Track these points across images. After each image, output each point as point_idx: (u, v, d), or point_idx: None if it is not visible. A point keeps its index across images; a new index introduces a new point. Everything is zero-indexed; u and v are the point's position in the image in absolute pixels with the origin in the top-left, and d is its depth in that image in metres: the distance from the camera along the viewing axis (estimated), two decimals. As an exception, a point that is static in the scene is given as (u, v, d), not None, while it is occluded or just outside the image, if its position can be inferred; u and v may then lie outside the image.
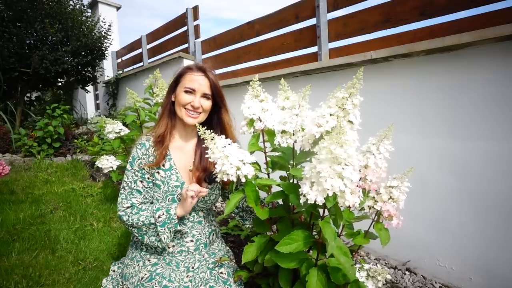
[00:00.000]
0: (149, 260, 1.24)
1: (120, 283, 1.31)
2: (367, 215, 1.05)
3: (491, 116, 1.39)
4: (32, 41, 4.70)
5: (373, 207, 1.02)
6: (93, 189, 2.74)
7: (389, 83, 1.77)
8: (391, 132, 0.99)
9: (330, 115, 0.90)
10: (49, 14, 4.62)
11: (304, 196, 0.83)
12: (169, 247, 1.28)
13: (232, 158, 0.98)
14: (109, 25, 5.56)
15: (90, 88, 6.48)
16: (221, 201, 2.47)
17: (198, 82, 1.24)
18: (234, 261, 1.37)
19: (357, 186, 0.89)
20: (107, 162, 2.36)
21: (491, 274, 1.42)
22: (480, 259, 1.45)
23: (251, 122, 1.09)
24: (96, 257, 1.68)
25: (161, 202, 1.26)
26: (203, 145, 1.05)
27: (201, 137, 1.01)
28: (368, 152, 1.00)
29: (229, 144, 1.01)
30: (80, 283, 1.44)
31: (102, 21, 5.57)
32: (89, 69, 5.62)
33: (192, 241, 1.30)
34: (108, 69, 6.51)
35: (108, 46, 5.61)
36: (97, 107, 7.29)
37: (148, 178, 1.27)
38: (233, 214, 1.39)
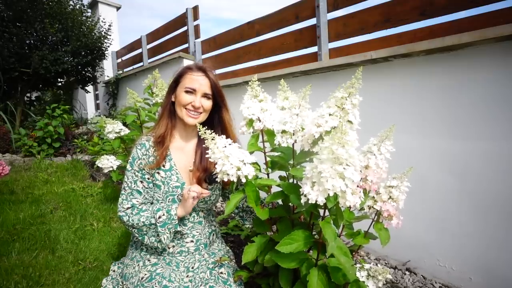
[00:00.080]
0: (149, 260, 1.24)
1: (120, 283, 1.31)
2: (367, 215, 1.05)
3: (491, 116, 1.39)
4: (32, 41, 4.70)
5: (372, 207, 1.02)
6: (93, 189, 2.74)
7: (389, 83, 1.77)
8: (392, 132, 0.99)
9: (330, 115, 0.90)
10: (49, 14, 4.62)
11: (305, 196, 0.83)
12: (169, 248, 1.27)
13: (233, 158, 0.98)
14: (109, 25, 5.56)
15: (90, 88, 6.48)
16: (221, 201, 2.47)
17: (199, 82, 1.24)
18: (234, 261, 1.37)
19: (357, 186, 0.89)
20: (108, 162, 2.36)
21: (491, 274, 1.42)
22: (480, 259, 1.45)
23: (250, 122, 1.09)
24: (96, 257, 1.68)
25: (162, 202, 1.26)
26: (203, 145, 1.05)
27: (202, 137, 1.01)
28: (369, 152, 1.00)
29: (230, 144, 1.01)
30: (80, 283, 1.44)
31: (102, 21, 5.57)
32: (89, 69, 5.62)
33: (192, 241, 1.29)
34: (108, 69, 6.51)
35: (108, 46, 5.61)
36: (97, 107, 7.30)
37: (148, 179, 1.27)
38: (233, 214, 1.39)
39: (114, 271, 1.45)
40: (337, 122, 0.88)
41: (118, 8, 7.28)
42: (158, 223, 1.18)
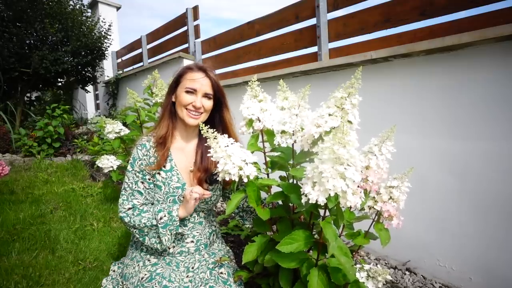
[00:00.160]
0: (149, 260, 1.24)
1: (120, 283, 1.31)
2: (368, 215, 1.05)
3: (491, 116, 1.39)
4: (32, 41, 4.70)
5: (373, 207, 1.02)
6: (93, 189, 2.74)
7: (389, 83, 1.77)
8: (393, 133, 0.99)
9: (329, 115, 0.90)
10: (49, 14, 4.62)
11: (306, 196, 0.83)
12: (169, 248, 1.27)
13: (235, 158, 0.98)
14: (109, 25, 5.56)
15: (90, 88, 6.48)
16: (221, 201, 2.47)
17: (199, 82, 1.24)
18: (234, 261, 1.36)
19: (358, 186, 0.89)
20: (108, 162, 2.37)
21: (491, 274, 1.42)
22: (480, 259, 1.45)
23: (250, 123, 1.09)
24: (96, 257, 1.68)
25: (162, 202, 1.26)
26: (205, 144, 1.04)
27: (204, 136, 1.01)
28: (370, 152, 1.00)
29: (232, 144, 1.01)
30: (80, 283, 1.44)
31: (102, 21, 5.57)
32: (89, 69, 5.62)
33: (192, 241, 1.29)
34: (108, 69, 6.51)
35: (108, 46, 5.61)
36: (97, 107, 7.30)
37: (149, 179, 1.26)
38: (233, 214, 1.39)
39: (114, 271, 1.45)
40: (337, 122, 0.88)
41: (118, 8, 7.28)
42: (159, 224, 1.18)
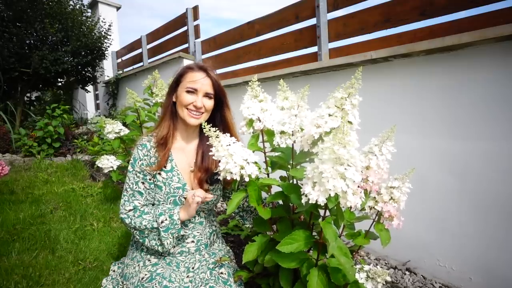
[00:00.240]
0: (149, 260, 1.24)
1: (120, 283, 1.31)
2: (368, 216, 1.05)
3: (491, 116, 1.39)
4: (32, 41, 4.70)
5: (373, 207, 1.02)
6: (93, 189, 2.74)
7: (389, 83, 1.77)
8: (393, 133, 0.99)
9: (329, 115, 0.90)
10: (49, 14, 4.62)
11: (306, 196, 0.83)
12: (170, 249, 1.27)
13: (237, 157, 0.98)
14: (109, 25, 5.56)
15: (90, 88, 6.48)
16: (221, 201, 2.47)
17: (200, 81, 1.23)
18: (235, 261, 1.36)
19: (358, 187, 0.89)
20: (108, 162, 2.37)
21: (491, 274, 1.42)
22: (480, 259, 1.45)
23: (250, 122, 1.09)
24: (96, 257, 1.68)
25: (163, 203, 1.26)
26: (207, 143, 1.04)
27: (206, 135, 1.01)
28: (370, 153, 1.00)
29: (234, 143, 1.01)
30: (80, 283, 1.44)
31: (102, 21, 5.57)
32: (89, 69, 5.62)
33: (193, 241, 1.29)
34: (108, 69, 6.51)
35: (108, 46, 5.61)
36: (97, 107, 7.30)
37: (150, 180, 1.26)
38: (233, 214, 1.39)
39: (114, 271, 1.45)
40: (337, 123, 0.88)
41: (118, 8, 7.28)
42: (161, 228, 1.18)
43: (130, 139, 2.35)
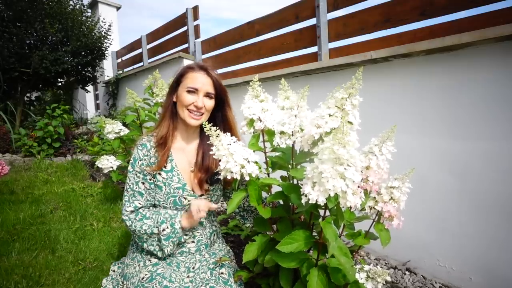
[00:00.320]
0: (149, 260, 1.24)
1: (120, 283, 1.31)
2: (368, 216, 1.05)
3: (491, 116, 1.39)
4: (32, 41, 4.70)
5: (373, 207, 1.02)
6: (93, 189, 2.74)
7: (389, 83, 1.77)
8: (393, 133, 0.99)
9: (329, 115, 0.90)
10: (49, 14, 4.62)
11: (306, 196, 0.83)
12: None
13: (237, 156, 0.98)
14: (109, 25, 5.57)
15: (90, 88, 6.49)
16: (221, 201, 2.47)
17: (201, 81, 1.23)
18: (235, 261, 1.36)
19: (358, 187, 0.89)
20: (107, 162, 2.37)
21: (491, 274, 1.42)
22: (480, 259, 1.45)
23: (251, 122, 1.09)
24: (96, 257, 1.68)
25: (163, 203, 1.26)
26: (207, 142, 1.04)
27: (207, 134, 1.01)
28: (370, 153, 1.00)
29: (234, 142, 1.01)
30: (80, 283, 1.44)
31: (102, 21, 5.57)
32: (89, 69, 5.62)
33: (193, 241, 1.29)
34: (108, 69, 6.51)
35: (108, 46, 5.61)
36: (97, 107, 7.30)
37: (150, 180, 1.26)
38: (233, 214, 1.39)
39: (114, 271, 1.45)
40: (337, 123, 0.88)
41: (118, 8, 7.29)
42: (162, 236, 1.18)
43: (130, 139, 2.35)
